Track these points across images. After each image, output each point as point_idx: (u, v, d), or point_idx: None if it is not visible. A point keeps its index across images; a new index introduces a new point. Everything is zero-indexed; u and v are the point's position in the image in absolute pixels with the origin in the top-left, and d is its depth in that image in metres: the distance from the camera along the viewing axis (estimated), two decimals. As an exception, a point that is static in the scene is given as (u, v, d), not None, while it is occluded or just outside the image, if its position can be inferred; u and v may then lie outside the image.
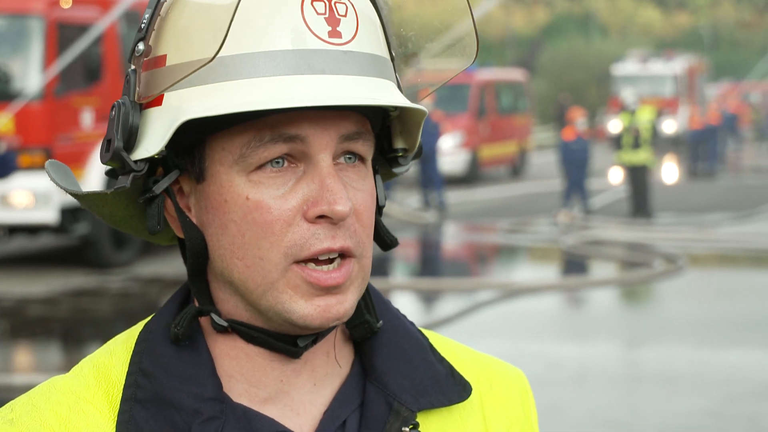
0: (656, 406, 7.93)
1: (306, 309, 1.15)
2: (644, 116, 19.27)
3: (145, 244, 13.98)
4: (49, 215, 12.85)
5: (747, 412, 7.79)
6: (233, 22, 1.12)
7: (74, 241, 14.13)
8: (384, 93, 1.18)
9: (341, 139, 1.16)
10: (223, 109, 1.12)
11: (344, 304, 1.17)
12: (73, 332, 10.57)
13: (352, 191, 1.17)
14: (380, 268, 13.92)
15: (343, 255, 1.16)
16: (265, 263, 1.15)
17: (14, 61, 13.30)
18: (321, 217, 1.14)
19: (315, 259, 1.15)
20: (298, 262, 1.15)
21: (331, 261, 1.16)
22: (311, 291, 1.15)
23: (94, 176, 13.12)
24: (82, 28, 13.17)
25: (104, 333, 10.20)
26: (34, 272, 13.36)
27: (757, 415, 7.75)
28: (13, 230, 13.52)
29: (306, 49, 1.14)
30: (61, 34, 13.12)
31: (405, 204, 20.82)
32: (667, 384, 8.54)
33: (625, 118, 19.38)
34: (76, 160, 12.99)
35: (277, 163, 1.15)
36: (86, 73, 13.40)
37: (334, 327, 1.20)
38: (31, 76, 13.05)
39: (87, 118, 13.40)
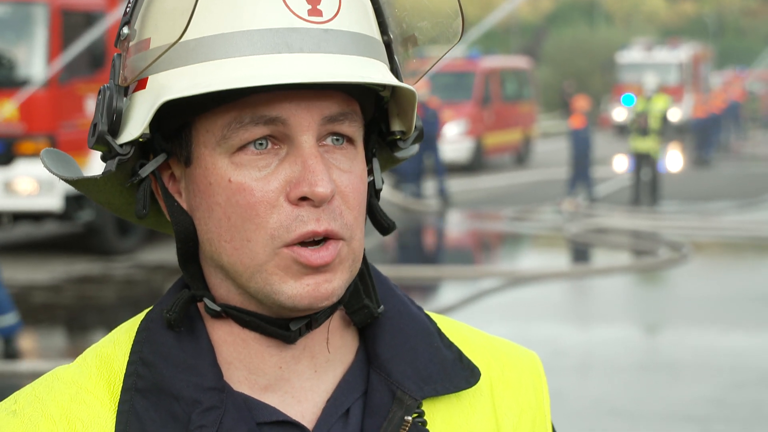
0: (660, 393, 7.93)
1: (295, 289, 1.13)
2: (657, 105, 19.16)
3: (150, 231, 13.98)
4: (53, 202, 12.85)
5: (751, 400, 7.79)
6: (212, 3, 1.12)
7: (78, 228, 14.12)
8: (365, 71, 1.14)
9: (324, 120, 1.14)
10: (198, 89, 1.10)
11: (332, 283, 1.14)
12: (77, 319, 10.58)
13: (337, 173, 1.15)
14: (384, 255, 13.91)
15: (329, 237, 1.14)
16: (252, 245, 1.13)
17: (19, 48, 13.28)
18: (304, 199, 1.12)
19: (301, 242, 1.14)
20: (286, 245, 1.13)
21: (317, 243, 1.14)
22: (301, 270, 1.13)
23: (97, 164, 12.93)
24: (86, 15, 13.15)
25: (108, 320, 10.21)
26: (39, 259, 13.37)
27: (762, 402, 7.75)
28: (18, 217, 13.52)
29: (284, 27, 1.12)
30: (66, 21, 13.10)
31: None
32: (671, 372, 8.54)
33: (640, 104, 19.31)
34: (80, 147, 12.96)
35: (261, 144, 1.13)
36: (90, 59, 13.37)
37: (327, 311, 1.18)
38: (36, 63, 13.03)
39: (91, 105, 13.38)
